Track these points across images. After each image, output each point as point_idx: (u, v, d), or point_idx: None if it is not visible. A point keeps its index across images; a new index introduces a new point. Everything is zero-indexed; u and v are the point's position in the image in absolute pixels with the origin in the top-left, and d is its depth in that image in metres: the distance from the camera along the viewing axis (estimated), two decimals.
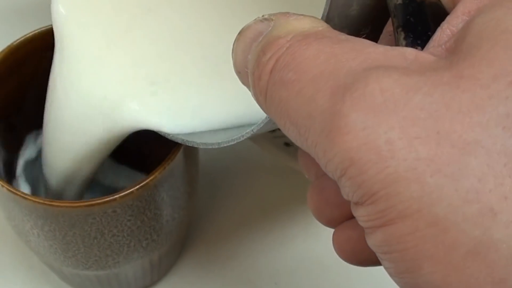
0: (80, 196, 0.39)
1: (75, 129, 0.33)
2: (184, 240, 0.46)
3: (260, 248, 0.47)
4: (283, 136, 0.47)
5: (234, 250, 0.47)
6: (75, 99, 0.33)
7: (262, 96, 0.22)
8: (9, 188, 0.35)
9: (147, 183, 0.35)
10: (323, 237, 0.47)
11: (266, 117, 0.25)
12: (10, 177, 0.42)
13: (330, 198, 0.27)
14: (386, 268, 0.21)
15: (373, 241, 0.21)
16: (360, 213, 0.21)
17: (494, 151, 0.19)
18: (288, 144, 0.47)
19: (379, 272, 0.45)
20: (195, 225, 0.47)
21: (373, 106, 0.20)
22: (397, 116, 0.19)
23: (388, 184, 0.19)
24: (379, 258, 0.21)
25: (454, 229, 0.19)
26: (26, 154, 0.44)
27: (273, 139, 0.47)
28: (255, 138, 0.47)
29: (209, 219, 0.48)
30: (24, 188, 0.43)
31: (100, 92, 0.33)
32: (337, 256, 0.46)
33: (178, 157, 0.36)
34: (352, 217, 0.27)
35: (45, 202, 0.34)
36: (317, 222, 0.47)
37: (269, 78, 0.22)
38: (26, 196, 0.34)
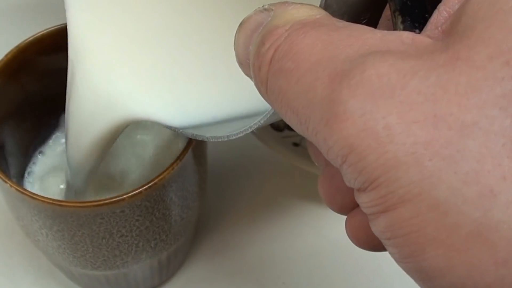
0: (86, 186, 0.39)
1: (87, 119, 0.34)
2: (193, 240, 0.46)
3: (268, 248, 0.47)
4: (291, 136, 0.48)
5: (242, 249, 0.47)
6: (87, 93, 0.34)
7: (263, 87, 0.23)
8: (18, 188, 0.35)
9: (155, 183, 0.35)
10: (332, 237, 0.47)
11: (272, 108, 0.25)
12: (22, 175, 0.42)
13: (340, 185, 0.27)
14: (391, 254, 0.21)
15: (377, 227, 0.21)
16: (362, 200, 0.21)
17: (491, 132, 0.19)
18: (296, 144, 0.47)
19: (386, 271, 0.45)
20: (204, 225, 0.47)
21: (371, 92, 0.20)
22: (394, 101, 0.19)
23: (388, 169, 0.19)
24: (384, 245, 0.21)
25: (454, 211, 0.19)
26: (40, 149, 0.44)
27: (281, 139, 0.47)
28: (264, 138, 0.47)
29: (217, 219, 0.48)
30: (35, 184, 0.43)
31: (109, 86, 0.33)
32: (345, 256, 0.46)
33: (187, 158, 0.36)
34: None
35: (54, 202, 0.34)
36: (326, 222, 0.48)
37: (268, 68, 0.22)
38: (34, 196, 0.34)
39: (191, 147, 0.36)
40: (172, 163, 0.35)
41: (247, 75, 0.24)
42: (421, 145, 0.19)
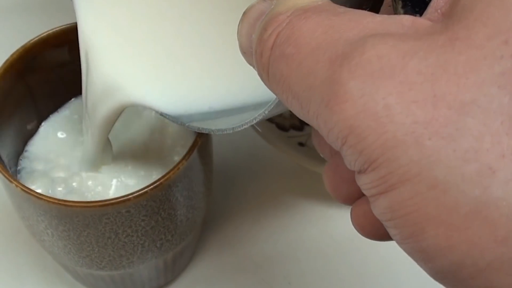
0: (95, 160, 0.40)
1: (98, 99, 0.36)
2: (198, 240, 0.46)
3: (274, 248, 0.47)
4: (297, 136, 0.47)
5: (248, 249, 0.47)
6: (98, 79, 0.35)
7: (264, 73, 0.23)
8: (24, 188, 0.35)
9: (161, 183, 0.35)
10: (338, 236, 0.47)
11: (276, 98, 0.25)
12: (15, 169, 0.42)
13: (345, 175, 0.28)
14: (392, 236, 0.21)
15: (378, 208, 0.21)
16: (363, 181, 0.21)
17: (490, 110, 0.19)
18: (302, 144, 0.47)
19: (392, 269, 0.44)
20: (209, 224, 0.47)
21: (371, 73, 0.20)
22: (394, 81, 0.20)
23: (387, 149, 0.19)
24: (385, 227, 0.21)
25: (454, 190, 0.19)
26: (34, 145, 0.43)
27: (287, 139, 0.47)
28: (270, 138, 0.46)
29: (222, 218, 0.48)
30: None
31: (114, 75, 0.35)
32: (351, 255, 0.46)
33: (192, 158, 0.36)
34: None
35: (59, 202, 0.34)
36: (332, 221, 0.47)
37: (270, 53, 0.22)
38: (40, 196, 0.34)
39: (196, 147, 0.36)
40: (178, 163, 0.35)
41: (250, 64, 0.24)
42: (420, 125, 0.19)
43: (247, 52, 0.24)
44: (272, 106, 0.25)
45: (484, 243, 0.19)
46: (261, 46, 0.23)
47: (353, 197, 0.28)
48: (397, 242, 0.21)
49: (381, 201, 0.20)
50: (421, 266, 0.21)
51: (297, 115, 0.23)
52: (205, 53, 0.35)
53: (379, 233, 0.27)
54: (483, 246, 0.19)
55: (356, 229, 0.28)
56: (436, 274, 0.21)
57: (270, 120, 0.47)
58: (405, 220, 0.20)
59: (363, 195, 0.27)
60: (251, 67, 0.24)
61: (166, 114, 0.34)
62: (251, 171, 0.50)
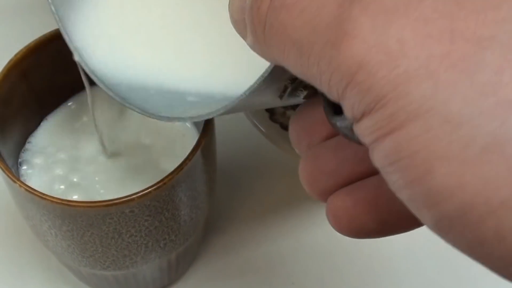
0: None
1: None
2: (202, 240, 0.46)
3: (278, 248, 0.47)
4: None
5: (251, 249, 0.47)
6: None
7: (260, 27, 0.22)
8: (27, 188, 0.35)
9: (165, 183, 0.35)
10: (341, 237, 0.47)
11: (258, 78, 0.24)
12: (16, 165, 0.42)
13: (324, 167, 0.27)
14: (393, 183, 0.20)
15: (381, 153, 0.20)
16: (366, 125, 0.20)
17: (510, 45, 0.18)
18: None
19: (395, 271, 0.44)
20: (213, 225, 0.47)
21: (383, 9, 0.19)
22: (408, 17, 0.19)
23: (398, 84, 0.19)
24: (384, 175, 0.20)
25: (469, 124, 0.18)
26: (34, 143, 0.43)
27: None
28: (273, 138, 0.46)
29: (226, 218, 0.48)
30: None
31: (89, 50, 0.35)
32: (354, 256, 0.46)
33: (196, 157, 0.36)
34: (346, 184, 0.26)
35: (63, 202, 0.34)
36: None
37: (269, 5, 0.21)
38: (44, 196, 0.34)
39: (200, 147, 0.36)
40: (181, 163, 0.35)
41: (241, 33, 0.23)
42: (436, 58, 0.18)
43: (238, 20, 0.23)
44: (255, 86, 0.24)
45: (500, 179, 0.18)
46: (259, 1, 0.22)
47: (330, 190, 0.27)
48: (396, 190, 0.20)
49: (386, 143, 0.19)
50: (423, 216, 0.20)
51: (293, 70, 0.22)
52: (193, 37, 0.34)
53: (355, 228, 0.26)
54: (498, 182, 0.18)
55: (331, 223, 0.27)
56: (441, 221, 0.19)
57: (274, 120, 0.47)
58: (412, 159, 0.19)
59: (341, 187, 0.27)
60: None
61: (132, 104, 0.33)
62: (255, 171, 0.50)
